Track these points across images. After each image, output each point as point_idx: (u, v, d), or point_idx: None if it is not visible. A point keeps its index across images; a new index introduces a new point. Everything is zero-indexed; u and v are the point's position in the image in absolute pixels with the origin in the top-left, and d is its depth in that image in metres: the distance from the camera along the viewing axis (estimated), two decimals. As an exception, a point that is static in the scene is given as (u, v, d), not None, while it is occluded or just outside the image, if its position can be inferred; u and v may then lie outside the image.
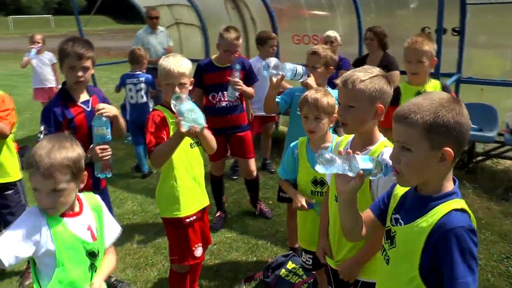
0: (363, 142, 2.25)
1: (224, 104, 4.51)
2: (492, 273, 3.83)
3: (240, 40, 4.41)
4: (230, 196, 5.47)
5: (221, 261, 4.15)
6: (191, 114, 2.75)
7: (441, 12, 4.67)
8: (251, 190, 5.05)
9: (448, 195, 1.64)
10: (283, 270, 3.72)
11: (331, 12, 7.32)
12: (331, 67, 3.62)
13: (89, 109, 3.17)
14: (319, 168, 1.72)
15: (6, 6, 72.14)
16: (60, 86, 3.28)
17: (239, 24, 8.13)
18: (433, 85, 3.62)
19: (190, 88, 3.11)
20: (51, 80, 8.10)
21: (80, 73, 3.03)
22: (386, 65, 5.96)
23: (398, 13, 6.91)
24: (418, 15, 6.52)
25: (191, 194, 3.11)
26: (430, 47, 3.51)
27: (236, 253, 4.28)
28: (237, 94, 4.35)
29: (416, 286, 1.65)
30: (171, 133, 2.99)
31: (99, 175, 3.18)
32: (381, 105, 2.16)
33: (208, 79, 4.43)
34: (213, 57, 4.55)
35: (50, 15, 58.54)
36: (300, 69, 3.33)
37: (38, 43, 7.67)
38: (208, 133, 3.08)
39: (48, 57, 8.04)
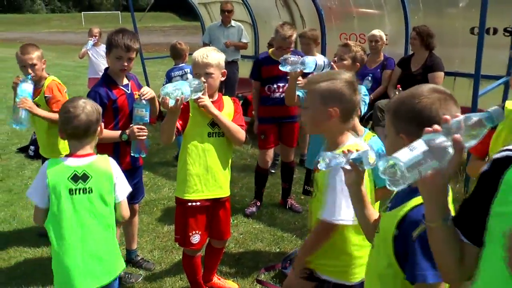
0: (329, 146, 2.29)
1: (277, 95, 4.76)
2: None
3: (294, 38, 4.53)
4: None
5: (244, 250, 4.24)
6: (175, 90, 2.79)
7: (484, 10, 4.51)
8: (285, 179, 5.14)
9: None
10: (301, 261, 3.75)
11: (379, 11, 7.24)
12: (358, 64, 3.61)
13: (129, 92, 3.49)
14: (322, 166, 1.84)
15: (80, 2, 75.65)
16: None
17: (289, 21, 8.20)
18: None
19: (222, 79, 3.20)
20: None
21: (126, 63, 3.36)
22: (431, 66, 5.86)
23: (446, 12, 6.72)
24: (467, 15, 6.32)
25: (200, 181, 3.15)
26: None
27: (261, 244, 4.35)
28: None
29: (394, 271, 1.66)
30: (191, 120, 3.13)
31: (134, 154, 3.41)
32: (335, 108, 2.17)
33: (265, 72, 4.73)
34: (270, 51, 4.83)
35: (118, 11, 60.81)
36: (321, 61, 3.33)
37: (95, 36, 8.15)
38: (230, 123, 3.13)
39: (104, 49, 8.36)
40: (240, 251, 4.23)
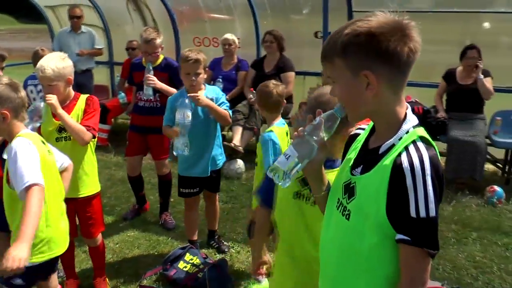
0: None
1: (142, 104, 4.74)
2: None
3: (158, 41, 4.54)
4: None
5: (122, 259, 4.26)
6: None
7: (325, 17, 5.07)
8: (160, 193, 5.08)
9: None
10: (181, 261, 3.91)
11: (229, 16, 7.63)
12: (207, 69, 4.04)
13: None
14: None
15: None
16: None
17: (141, 25, 8.16)
18: None
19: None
20: None
21: None
22: (282, 66, 6.37)
23: (292, 17, 7.35)
24: (311, 20, 6.97)
25: None
26: None
27: (138, 250, 4.41)
28: (151, 91, 4.48)
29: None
30: None
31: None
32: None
33: (136, 77, 4.74)
34: (144, 57, 4.77)
35: None
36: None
37: None
38: (73, 123, 3.21)
39: None
40: (118, 260, 4.24)
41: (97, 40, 7.72)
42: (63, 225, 2.87)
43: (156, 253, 4.37)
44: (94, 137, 3.31)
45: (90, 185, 3.47)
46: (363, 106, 1.46)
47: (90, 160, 3.45)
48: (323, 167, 1.71)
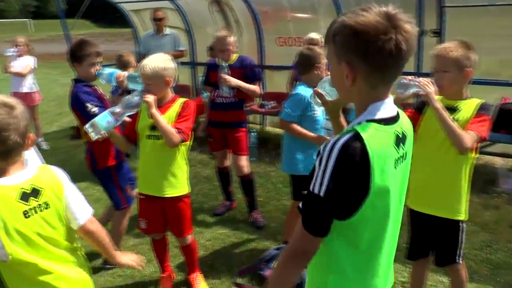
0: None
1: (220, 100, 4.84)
2: (475, 260, 4.05)
3: (229, 39, 4.65)
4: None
5: (214, 256, 4.30)
6: (93, 127, 3.10)
7: (419, 14, 4.88)
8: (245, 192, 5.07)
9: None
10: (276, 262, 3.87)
11: (313, 15, 7.52)
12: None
13: None
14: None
15: (-18, 11, 70.96)
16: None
17: (223, 27, 8.27)
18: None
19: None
20: (31, 85, 7.82)
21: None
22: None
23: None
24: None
25: (142, 178, 3.51)
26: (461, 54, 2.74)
27: (230, 248, 4.43)
28: (229, 89, 4.67)
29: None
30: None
31: None
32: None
33: (212, 77, 4.83)
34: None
35: (28, 19, 57.85)
36: None
37: (18, 46, 7.55)
38: (165, 125, 3.22)
39: (29, 61, 7.77)
40: (210, 257, 4.28)
41: (180, 42, 7.84)
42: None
43: (248, 251, 4.36)
44: (183, 140, 3.30)
45: (176, 187, 3.46)
46: (344, 90, 1.58)
47: (179, 163, 3.43)
48: (341, 113, 2.04)
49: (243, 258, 4.24)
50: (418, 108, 2.94)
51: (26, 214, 1.99)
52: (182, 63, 8.59)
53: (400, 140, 1.57)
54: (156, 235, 3.70)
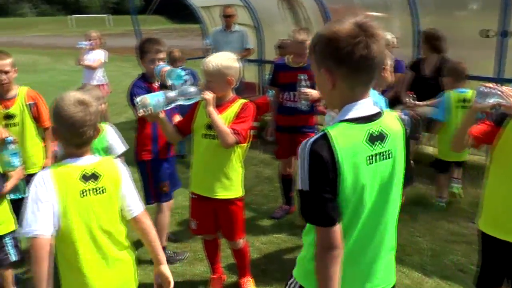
0: None
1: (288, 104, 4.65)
2: None
3: (308, 42, 4.38)
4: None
5: (268, 260, 4.17)
6: (143, 102, 3.00)
7: (504, 13, 4.49)
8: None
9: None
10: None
11: (386, 13, 7.18)
12: None
13: None
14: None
15: (67, 6, 75.13)
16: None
17: (292, 24, 8.11)
18: None
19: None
20: (100, 78, 8.07)
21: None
22: (441, 68, 5.81)
23: (456, 14, 6.70)
24: (478, 17, 6.30)
25: (195, 177, 3.44)
26: None
27: (285, 254, 4.28)
28: (307, 103, 4.40)
29: None
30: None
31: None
32: None
33: (281, 78, 4.65)
34: (286, 57, 4.73)
35: (106, 15, 60.40)
36: None
37: (92, 40, 7.85)
38: (221, 125, 3.13)
39: (100, 55, 8.07)
40: (264, 261, 4.15)
41: (248, 40, 7.79)
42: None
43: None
44: (238, 142, 3.18)
45: (229, 189, 3.35)
46: (327, 95, 1.80)
47: (234, 165, 3.32)
48: None
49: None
50: (497, 121, 2.61)
51: (82, 193, 2.20)
52: (249, 61, 8.55)
53: (375, 138, 1.71)
54: (207, 236, 3.62)
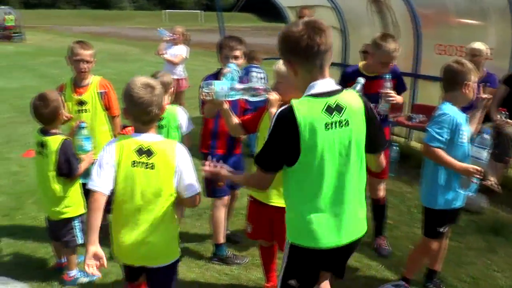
0: None
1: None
2: None
3: (399, 51, 4.03)
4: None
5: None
6: (208, 86, 2.97)
7: None
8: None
9: None
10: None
11: (482, 21, 6.61)
12: None
13: None
14: None
15: (163, 1, 78.25)
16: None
17: (380, 28, 7.74)
18: None
19: None
20: (180, 72, 8.12)
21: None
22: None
23: None
24: None
25: None
26: None
27: (347, 270, 4.01)
28: (389, 106, 4.06)
29: None
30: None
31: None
32: None
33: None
34: (360, 64, 4.29)
35: (199, 11, 62.10)
36: None
37: (176, 34, 7.92)
38: None
39: (182, 51, 8.10)
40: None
41: None
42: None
43: (364, 278, 3.93)
44: None
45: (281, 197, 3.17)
46: (295, 82, 2.27)
47: None
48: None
49: (358, 285, 3.82)
50: None
51: (133, 164, 2.55)
52: (333, 64, 8.30)
53: (333, 109, 2.15)
54: (263, 241, 3.49)
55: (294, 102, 2.13)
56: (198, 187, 2.66)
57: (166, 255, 2.73)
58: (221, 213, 4.06)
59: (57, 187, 3.49)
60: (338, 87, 2.21)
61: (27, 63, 19.06)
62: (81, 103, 4.03)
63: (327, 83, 2.18)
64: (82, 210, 3.62)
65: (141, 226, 2.58)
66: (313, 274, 2.49)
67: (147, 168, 2.54)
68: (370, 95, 3.94)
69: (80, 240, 3.63)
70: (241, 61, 3.88)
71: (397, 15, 7.60)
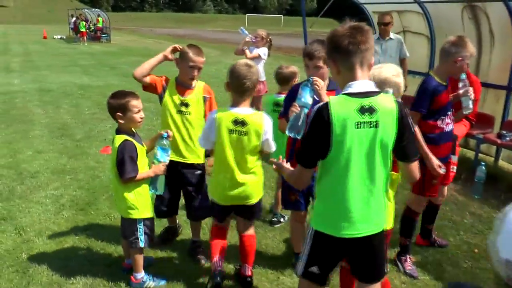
0: None
1: (451, 126, 3.90)
2: None
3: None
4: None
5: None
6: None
7: None
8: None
9: None
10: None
11: None
12: None
13: None
14: None
15: (245, 5, 79.31)
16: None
17: (473, 37, 7.17)
18: None
19: None
20: (260, 74, 7.69)
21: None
22: None
23: None
24: None
25: None
26: None
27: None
28: (472, 102, 3.94)
29: None
30: None
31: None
32: None
33: (439, 102, 3.75)
34: (432, 72, 3.86)
35: (280, 15, 62.27)
36: None
37: (257, 37, 7.58)
38: None
39: (260, 51, 7.67)
40: None
41: (404, 49, 7.35)
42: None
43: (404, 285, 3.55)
44: None
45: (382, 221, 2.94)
46: (337, 78, 2.46)
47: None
48: None
49: None
50: None
51: (231, 132, 3.33)
52: (413, 72, 7.86)
53: (366, 109, 2.28)
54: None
55: (331, 99, 2.32)
56: (274, 147, 3.44)
57: (258, 195, 3.56)
58: (296, 227, 3.92)
59: (118, 185, 3.51)
60: (375, 89, 2.36)
61: (111, 63, 19.86)
62: (184, 104, 3.90)
63: (364, 84, 2.33)
64: (147, 214, 3.60)
65: (237, 178, 3.40)
66: (332, 261, 2.58)
67: (241, 135, 3.31)
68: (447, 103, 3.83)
69: (141, 244, 3.59)
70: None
71: (493, 23, 7.01)
